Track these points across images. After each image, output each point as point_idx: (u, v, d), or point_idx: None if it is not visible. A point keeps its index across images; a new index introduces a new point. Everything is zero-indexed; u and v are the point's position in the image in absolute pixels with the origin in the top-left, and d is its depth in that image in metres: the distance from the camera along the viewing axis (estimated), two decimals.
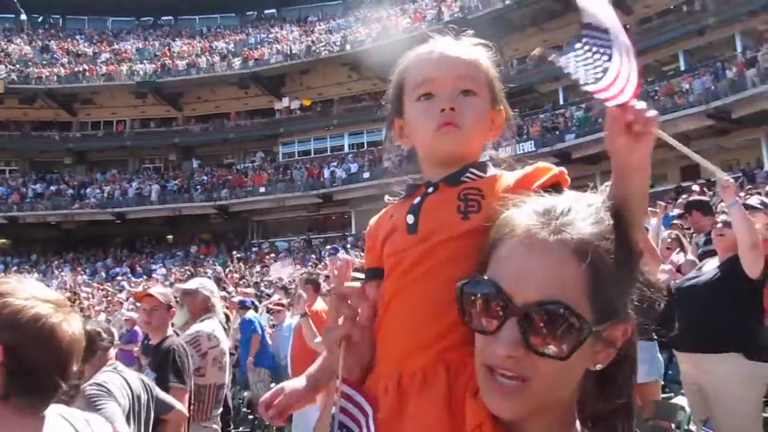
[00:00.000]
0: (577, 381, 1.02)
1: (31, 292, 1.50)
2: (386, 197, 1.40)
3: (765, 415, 4.26)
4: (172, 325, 5.44)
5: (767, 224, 4.43)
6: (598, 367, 1.01)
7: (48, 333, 1.45)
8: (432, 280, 1.19)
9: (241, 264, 27.03)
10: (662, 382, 5.27)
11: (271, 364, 9.40)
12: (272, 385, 8.13)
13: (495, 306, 0.98)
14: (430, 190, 1.30)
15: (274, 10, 46.71)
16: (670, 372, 5.76)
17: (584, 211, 1.02)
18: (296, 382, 1.39)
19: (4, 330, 1.41)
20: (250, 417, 7.71)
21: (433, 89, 1.30)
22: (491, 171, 1.31)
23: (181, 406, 3.94)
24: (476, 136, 1.32)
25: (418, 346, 1.18)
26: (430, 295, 1.18)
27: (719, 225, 4.53)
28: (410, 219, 1.26)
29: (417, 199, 1.29)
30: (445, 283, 1.11)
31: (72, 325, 1.53)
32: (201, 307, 4.80)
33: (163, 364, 4.12)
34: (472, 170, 1.29)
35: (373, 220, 1.42)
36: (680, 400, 4.93)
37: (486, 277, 1.01)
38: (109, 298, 18.45)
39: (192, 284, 4.74)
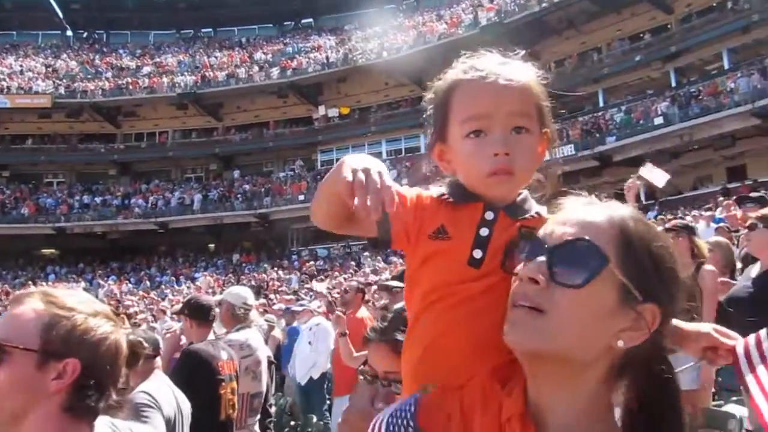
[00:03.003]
0: (601, 345, 1.03)
1: (94, 308, 1.54)
2: (431, 189, 1.29)
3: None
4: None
5: None
6: (620, 344, 1.03)
7: (114, 351, 1.52)
8: (491, 315, 1.12)
9: (280, 272, 27.26)
10: (713, 390, 5.12)
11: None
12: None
13: (533, 249, 1.07)
14: (490, 217, 1.22)
15: (311, 20, 47.20)
16: (719, 379, 5.60)
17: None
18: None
19: (79, 347, 1.45)
20: (292, 423, 7.76)
21: (484, 126, 1.21)
22: (536, 208, 1.27)
23: None
24: (529, 176, 1.24)
25: (475, 375, 1.14)
26: (488, 328, 1.13)
27: (745, 231, 4.42)
28: (477, 254, 1.19)
29: (484, 231, 1.20)
30: (503, 316, 1.08)
31: (125, 340, 1.59)
32: (228, 316, 4.83)
33: (174, 368, 4.16)
34: (537, 210, 1.25)
35: (424, 194, 1.28)
36: (731, 408, 4.78)
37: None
38: (153, 306, 18.77)
39: (221, 295, 4.78)
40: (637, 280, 1.03)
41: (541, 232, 1.09)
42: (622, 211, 1.10)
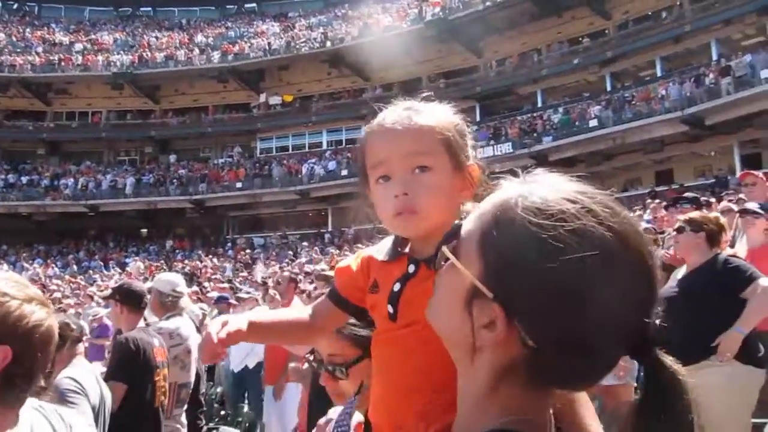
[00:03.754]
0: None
1: (27, 293, 1.50)
2: (367, 249, 1.42)
3: (754, 421, 4.30)
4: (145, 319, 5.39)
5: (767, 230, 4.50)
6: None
7: (46, 338, 1.49)
8: (413, 360, 1.22)
9: (215, 259, 26.84)
10: (635, 385, 5.32)
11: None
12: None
13: None
14: (411, 269, 1.28)
15: (254, 5, 46.43)
16: (641, 373, 5.83)
17: None
18: (238, 323, 1.33)
19: (11, 335, 1.41)
20: (222, 412, 7.68)
21: (387, 171, 1.26)
22: None
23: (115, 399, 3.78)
24: (438, 211, 1.24)
25: (404, 412, 1.23)
26: (408, 373, 1.23)
27: (673, 233, 4.59)
28: (390, 309, 1.27)
29: (397, 286, 1.27)
30: (425, 361, 1.18)
31: (56, 326, 1.56)
32: (158, 305, 4.73)
33: (111, 358, 4.09)
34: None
35: (371, 253, 1.39)
36: None
37: None
38: (79, 291, 18.18)
39: (151, 282, 4.66)
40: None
41: None
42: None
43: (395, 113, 1.29)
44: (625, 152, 29.46)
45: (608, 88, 31.36)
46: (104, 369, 4.25)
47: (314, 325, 1.43)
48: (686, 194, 8.88)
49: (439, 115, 1.29)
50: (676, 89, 26.54)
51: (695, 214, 4.68)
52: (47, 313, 1.51)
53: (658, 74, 29.81)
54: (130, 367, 4.01)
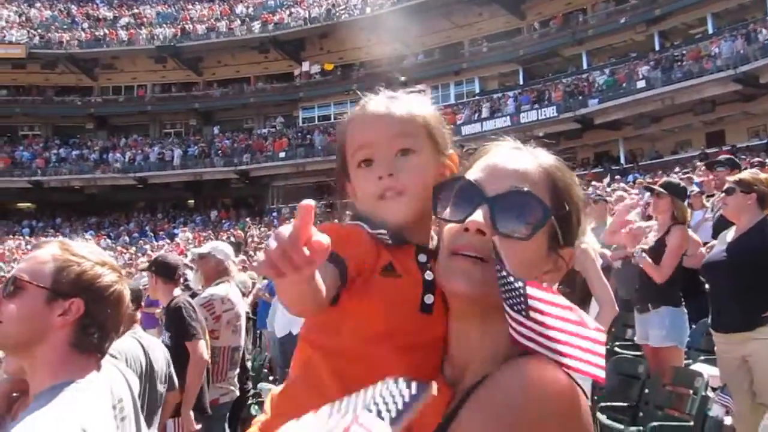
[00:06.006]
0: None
1: (102, 258, 1.74)
2: (364, 225, 1.22)
3: None
4: (189, 287, 5.56)
5: None
6: (544, 284, 1.05)
7: (117, 299, 1.71)
8: (427, 358, 1.15)
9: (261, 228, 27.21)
10: (684, 349, 5.24)
11: None
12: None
13: (468, 196, 1.10)
14: (423, 259, 1.21)
15: None
16: (689, 339, 5.74)
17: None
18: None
19: (85, 291, 1.65)
20: (270, 378, 7.86)
21: (370, 155, 1.25)
22: None
23: (201, 355, 4.12)
24: (424, 193, 1.21)
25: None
26: (416, 369, 1.10)
27: (722, 194, 4.46)
28: (429, 299, 1.17)
29: (429, 275, 1.18)
30: (432, 362, 1.15)
31: (128, 291, 1.79)
32: (214, 271, 4.85)
33: (174, 324, 4.21)
34: None
35: (359, 230, 1.21)
36: (699, 367, 4.92)
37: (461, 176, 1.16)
38: (132, 262, 18.72)
39: (204, 248, 4.79)
40: (563, 228, 1.11)
41: (472, 179, 1.12)
42: (548, 159, 1.16)
43: (378, 100, 1.30)
44: (674, 114, 28.64)
45: (656, 48, 30.40)
46: (158, 337, 4.40)
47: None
48: (720, 157, 8.59)
49: (420, 103, 1.31)
50: (728, 46, 25.57)
51: (745, 175, 4.52)
52: (118, 277, 1.73)
53: (709, 31, 28.75)
54: (197, 323, 4.26)
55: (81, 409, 1.52)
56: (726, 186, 4.53)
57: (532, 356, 1.01)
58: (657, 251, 5.02)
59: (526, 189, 1.08)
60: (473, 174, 1.14)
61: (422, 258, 1.21)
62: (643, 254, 5.00)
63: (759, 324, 4.02)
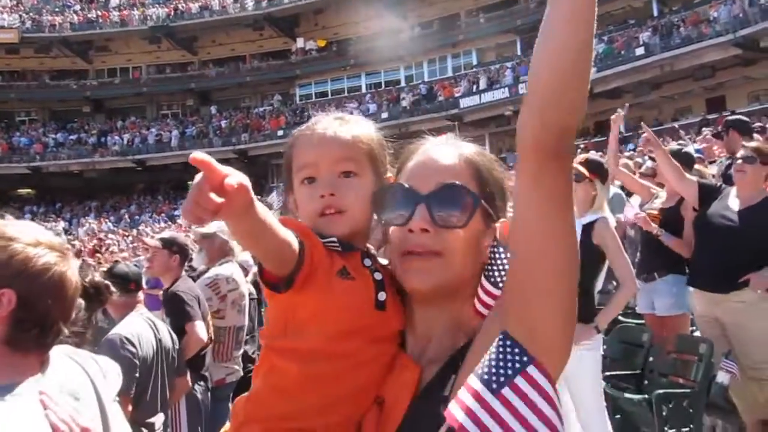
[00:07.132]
0: (477, 263, 1.22)
1: (36, 237, 1.47)
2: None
3: None
4: (193, 268, 5.53)
5: None
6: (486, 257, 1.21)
7: (57, 284, 1.46)
8: (375, 366, 1.23)
9: None
10: (691, 316, 5.24)
11: None
12: None
13: (405, 199, 1.21)
14: (368, 263, 1.30)
15: None
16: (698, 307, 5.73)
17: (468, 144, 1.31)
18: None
19: (16, 278, 1.40)
20: None
21: (314, 173, 1.31)
22: None
23: (199, 337, 4.14)
24: (362, 214, 1.30)
25: (344, 413, 1.22)
26: (368, 378, 1.23)
27: (739, 161, 4.38)
28: (382, 296, 1.26)
29: (378, 275, 1.28)
30: (380, 368, 1.23)
31: (75, 273, 1.53)
32: (219, 251, 4.85)
33: (173, 311, 4.22)
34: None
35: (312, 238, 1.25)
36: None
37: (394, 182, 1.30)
38: (135, 244, 18.73)
39: (210, 228, 4.78)
40: (491, 205, 1.23)
41: (405, 183, 1.24)
42: (469, 148, 1.29)
43: (326, 121, 1.36)
44: (673, 80, 28.44)
45: (655, 14, 30.08)
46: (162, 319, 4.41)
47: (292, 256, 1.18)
48: (735, 117, 8.46)
49: (365, 128, 1.37)
50: (728, 10, 25.29)
51: (761, 145, 4.46)
52: (58, 257, 1.47)
53: None
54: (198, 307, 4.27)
55: (4, 424, 1.31)
56: (742, 152, 4.41)
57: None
58: (670, 218, 4.97)
59: (453, 182, 1.20)
60: (405, 176, 1.27)
61: (368, 262, 1.30)
62: (668, 233, 4.88)
63: (737, 289, 4.10)
